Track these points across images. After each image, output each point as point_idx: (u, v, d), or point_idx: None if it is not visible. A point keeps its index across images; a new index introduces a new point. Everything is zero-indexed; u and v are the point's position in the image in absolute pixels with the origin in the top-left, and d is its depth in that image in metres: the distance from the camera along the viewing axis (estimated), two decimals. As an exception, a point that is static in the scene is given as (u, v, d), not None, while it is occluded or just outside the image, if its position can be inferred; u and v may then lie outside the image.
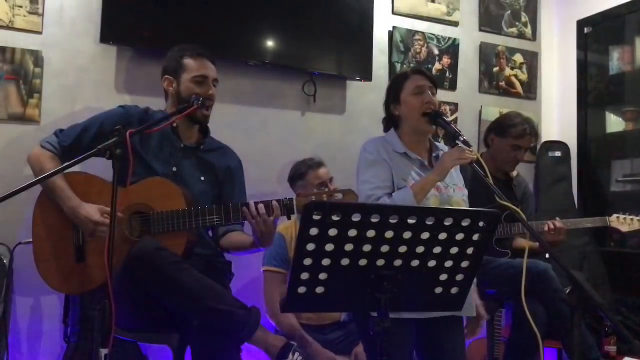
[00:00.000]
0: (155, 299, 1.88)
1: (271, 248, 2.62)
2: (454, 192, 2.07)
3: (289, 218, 1.98)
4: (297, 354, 1.96)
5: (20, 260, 2.35)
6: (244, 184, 2.36)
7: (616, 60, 3.62)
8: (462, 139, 1.92)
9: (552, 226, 2.61)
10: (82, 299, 2.32)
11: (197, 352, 1.88)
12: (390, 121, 2.20)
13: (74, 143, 2.11)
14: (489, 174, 1.82)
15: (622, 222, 2.74)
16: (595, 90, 3.71)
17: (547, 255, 2.63)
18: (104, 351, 1.46)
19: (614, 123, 3.67)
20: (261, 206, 1.92)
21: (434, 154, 2.15)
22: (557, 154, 3.71)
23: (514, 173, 2.96)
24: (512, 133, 2.79)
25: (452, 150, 1.98)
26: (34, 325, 2.50)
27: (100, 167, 2.23)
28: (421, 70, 2.18)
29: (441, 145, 2.21)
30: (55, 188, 2.04)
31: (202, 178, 2.22)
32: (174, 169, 2.17)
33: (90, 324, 2.28)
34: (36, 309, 2.50)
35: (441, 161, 1.99)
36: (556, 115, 3.90)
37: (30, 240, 2.13)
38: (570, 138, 3.75)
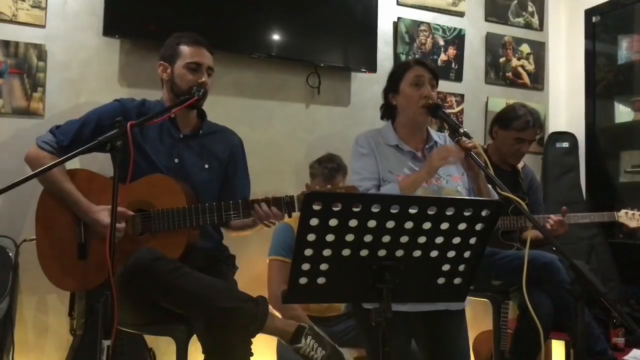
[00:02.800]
0: (160, 305, 1.89)
1: (279, 238, 2.64)
2: (447, 183, 2.04)
3: (290, 216, 1.98)
4: (309, 337, 1.95)
5: (27, 253, 2.36)
6: (247, 166, 2.36)
7: (625, 50, 3.57)
8: (462, 131, 1.90)
9: (552, 223, 2.59)
10: (88, 292, 2.33)
11: (208, 348, 1.88)
12: (388, 110, 2.19)
13: (73, 141, 2.08)
14: (489, 165, 1.80)
15: (630, 217, 2.72)
16: (603, 80, 3.67)
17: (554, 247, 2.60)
18: (106, 342, 1.46)
19: (623, 113, 3.62)
20: (275, 209, 1.95)
21: (427, 146, 2.12)
22: (565, 145, 3.67)
23: (520, 165, 2.93)
24: (515, 126, 2.76)
25: (439, 149, 1.97)
26: (40, 317, 2.51)
27: (99, 164, 2.24)
28: (423, 62, 2.15)
29: (436, 134, 2.18)
30: (63, 191, 2.05)
31: (207, 166, 2.21)
32: (176, 160, 2.16)
33: (95, 317, 2.29)
34: (42, 301, 2.51)
35: (429, 160, 1.97)
36: (564, 106, 3.86)
37: (34, 238, 2.14)
38: (578, 129, 3.71)
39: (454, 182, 2.05)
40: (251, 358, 1.91)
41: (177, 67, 2.14)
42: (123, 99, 2.26)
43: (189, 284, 1.83)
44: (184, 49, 2.15)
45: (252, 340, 1.92)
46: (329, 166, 2.67)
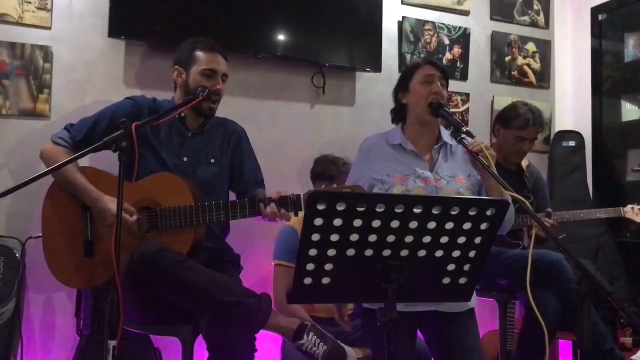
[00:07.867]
0: (165, 298, 1.89)
1: (283, 242, 2.63)
2: (447, 184, 2.02)
3: (296, 215, 2.00)
4: (311, 333, 1.97)
5: (33, 253, 2.37)
6: (252, 150, 2.39)
7: (632, 48, 3.55)
8: (464, 129, 1.89)
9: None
10: (94, 292, 2.34)
11: (212, 344, 1.89)
12: (399, 112, 2.19)
13: (86, 137, 2.13)
14: (492, 165, 1.78)
15: (637, 213, 2.71)
16: (610, 79, 3.65)
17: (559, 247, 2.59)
18: (112, 343, 1.47)
19: (630, 111, 3.61)
20: (283, 211, 1.97)
21: (435, 146, 2.11)
22: (572, 143, 3.65)
23: (525, 163, 2.92)
24: (515, 124, 2.76)
25: None
26: (47, 318, 2.52)
27: (108, 161, 2.25)
28: (433, 61, 2.17)
29: (447, 134, 2.16)
30: (76, 183, 2.07)
31: (212, 160, 2.23)
32: (185, 159, 2.18)
33: (102, 317, 2.30)
34: (49, 302, 2.52)
35: None
36: (570, 104, 3.84)
37: (40, 235, 2.15)
38: (585, 127, 3.69)
39: (456, 183, 2.04)
40: (255, 354, 1.92)
41: (193, 72, 2.16)
42: (135, 96, 2.28)
43: (194, 276, 1.85)
44: (200, 55, 2.17)
45: (256, 336, 1.93)
46: (348, 163, 2.67)
